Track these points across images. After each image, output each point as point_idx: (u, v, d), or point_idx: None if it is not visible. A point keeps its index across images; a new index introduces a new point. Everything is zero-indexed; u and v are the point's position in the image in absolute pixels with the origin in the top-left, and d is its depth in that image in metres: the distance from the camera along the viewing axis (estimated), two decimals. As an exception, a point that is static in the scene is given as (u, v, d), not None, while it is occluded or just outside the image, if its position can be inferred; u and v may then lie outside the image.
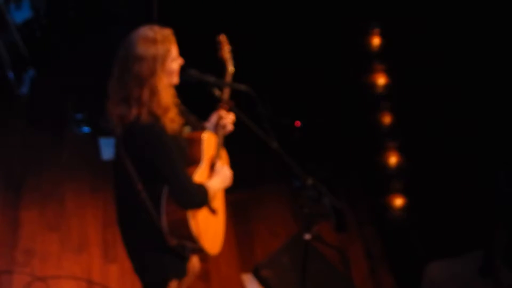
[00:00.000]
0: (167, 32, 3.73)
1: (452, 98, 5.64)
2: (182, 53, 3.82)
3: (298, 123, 6.36)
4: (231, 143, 4.28)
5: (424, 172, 5.65)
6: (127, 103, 3.71)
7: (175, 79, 3.81)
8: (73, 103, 6.48)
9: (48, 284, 5.23)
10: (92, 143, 6.23)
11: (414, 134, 5.83)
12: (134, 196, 3.85)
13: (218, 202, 4.20)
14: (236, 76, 4.16)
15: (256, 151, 5.29)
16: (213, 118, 4.18)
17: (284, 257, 5.49)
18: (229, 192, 4.31)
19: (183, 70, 3.85)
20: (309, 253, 4.35)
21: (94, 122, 6.33)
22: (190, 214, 3.87)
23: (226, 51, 4.19)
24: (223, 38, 4.21)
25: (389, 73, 6.15)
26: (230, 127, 4.14)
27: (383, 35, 6.21)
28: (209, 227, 4.08)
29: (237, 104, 4.05)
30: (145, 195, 3.84)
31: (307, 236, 4.20)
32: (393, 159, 5.94)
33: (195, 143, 3.99)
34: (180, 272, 4.17)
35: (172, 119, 3.78)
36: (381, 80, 6.16)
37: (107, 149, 6.12)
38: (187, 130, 3.98)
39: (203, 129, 4.11)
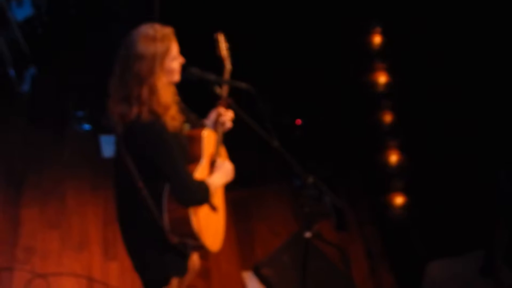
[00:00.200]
0: (168, 31, 3.73)
1: (453, 96, 5.63)
2: (183, 51, 3.81)
3: (299, 122, 6.35)
4: (232, 141, 4.28)
5: (425, 171, 5.65)
6: (128, 102, 3.71)
7: (176, 78, 3.81)
8: (74, 100, 6.48)
9: (49, 281, 5.23)
10: (93, 141, 6.23)
11: (414, 132, 5.82)
12: (135, 194, 3.85)
13: (218, 199, 4.20)
14: (237, 75, 4.16)
15: (257, 150, 5.29)
16: (212, 116, 4.18)
17: (284, 255, 5.49)
18: (229, 190, 4.32)
19: (184, 68, 3.85)
20: (310, 252, 4.35)
21: (95, 120, 6.33)
22: (191, 212, 3.87)
23: (224, 49, 4.19)
24: (220, 36, 4.21)
25: (390, 71, 6.14)
26: (229, 124, 4.14)
27: (384, 34, 6.20)
28: (210, 224, 4.08)
29: (238, 102, 4.05)
30: (146, 193, 3.84)
31: (308, 235, 4.20)
32: (393, 158, 5.94)
33: (195, 140, 3.99)
34: (181, 269, 4.17)
35: (173, 117, 3.78)
36: (382, 78, 6.15)
37: (107, 147, 6.12)
38: (186, 127, 3.98)
39: (202, 126, 4.11)
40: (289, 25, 6.45)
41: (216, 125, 4.13)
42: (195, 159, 3.98)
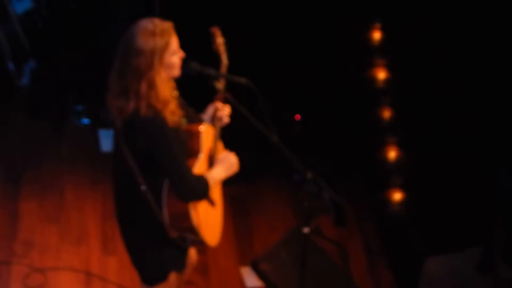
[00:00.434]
0: (167, 25, 3.72)
1: (453, 93, 5.63)
2: (183, 46, 3.81)
3: (298, 117, 6.35)
4: (231, 136, 4.27)
5: (424, 167, 5.65)
6: (126, 96, 3.71)
7: (176, 72, 3.81)
8: (73, 94, 6.48)
9: (47, 276, 5.23)
10: (92, 135, 6.23)
11: (414, 129, 5.82)
12: (134, 190, 3.85)
13: (216, 194, 4.20)
14: (236, 70, 4.15)
15: (255, 145, 5.29)
16: (210, 110, 4.17)
17: (283, 251, 5.49)
18: (228, 185, 4.32)
19: (184, 63, 3.84)
20: (308, 247, 4.35)
21: (94, 114, 6.32)
22: (191, 206, 3.87)
23: (220, 43, 4.17)
24: (216, 30, 4.19)
25: (389, 67, 6.14)
26: (226, 119, 4.13)
27: (383, 30, 6.20)
28: (209, 219, 4.08)
29: (237, 97, 4.04)
30: (145, 188, 3.84)
31: (306, 230, 4.20)
32: (392, 154, 5.94)
33: (193, 135, 3.99)
34: (180, 264, 4.17)
35: (172, 112, 3.78)
36: (381, 74, 6.15)
37: (106, 141, 6.12)
38: (183, 122, 3.98)
39: (200, 121, 4.11)
40: (289, 20, 6.45)
41: (213, 120, 4.12)
42: (194, 154, 3.97)
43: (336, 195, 4.08)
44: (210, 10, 6.17)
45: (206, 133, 4.03)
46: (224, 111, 4.12)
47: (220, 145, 4.19)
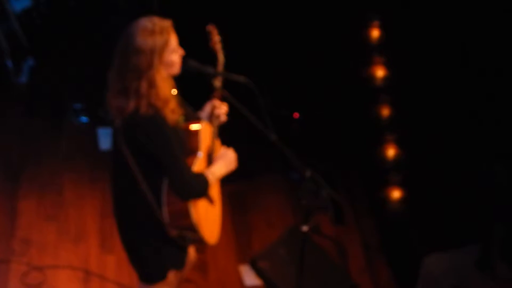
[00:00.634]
0: (166, 23, 3.71)
1: (452, 90, 5.63)
2: (183, 43, 3.80)
3: (296, 115, 6.35)
4: (230, 134, 4.27)
5: (423, 165, 5.65)
6: (126, 95, 3.71)
7: (176, 70, 3.80)
8: (72, 92, 6.47)
9: (45, 274, 5.23)
10: (90, 133, 6.22)
11: (412, 127, 5.82)
12: (134, 188, 3.85)
13: (215, 192, 4.20)
14: (235, 68, 4.15)
15: (254, 143, 5.28)
16: (207, 108, 4.17)
17: (281, 248, 5.49)
18: (226, 183, 4.31)
19: (183, 60, 3.84)
20: (306, 245, 4.35)
21: (92, 112, 6.32)
22: (191, 204, 3.87)
23: (216, 41, 4.17)
24: (212, 28, 4.18)
25: (388, 65, 6.14)
26: (224, 117, 4.13)
27: (382, 27, 6.19)
28: (209, 217, 4.09)
29: (236, 95, 4.04)
30: (145, 186, 3.84)
31: (305, 228, 4.20)
32: (391, 152, 5.94)
33: (192, 133, 3.99)
34: (179, 263, 4.17)
35: (172, 110, 3.78)
36: (380, 72, 6.14)
37: (105, 139, 6.11)
38: (181, 120, 3.98)
39: (198, 119, 4.11)
40: (287, 19, 6.45)
41: (211, 117, 4.12)
42: (192, 152, 3.97)
43: (334, 193, 4.07)
44: (208, 8, 6.17)
45: (204, 131, 4.03)
46: (222, 109, 4.11)
47: (218, 143, 4.19)
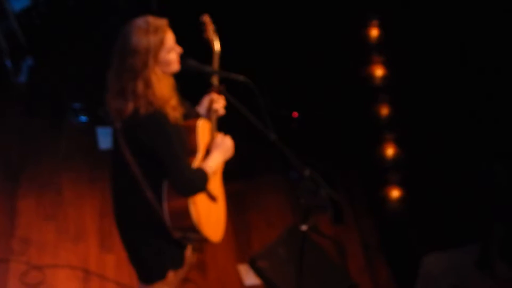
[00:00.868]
0: (161, 23, 3.69)
1: (451, 89, 5.63)
2: (181, 42, 3.79)
3: (295, 114, 6.35)
4: (228, 133, 4.27)
5: (422, 164, 5.65)
6: (123, 96, 3.70)
7: (174, 68, 3.79)
8: (71, 92, 6.47)
9: (44, 273, 5.23)
10: (89, 133, 6.22)
11: (411, 126, 5.82)
12: (134, 188, 3.85)
13: (217, 188, 4.20)
14: (234, 68, 4.14)
15: (254, 142, 5.28)
16: (205, 102, 4.16)
17: (280, 248, 5.49)
18: (226, 182, 4.31)
19: (181, 59, 3.83)
20: (306, 245, 4.35)
21: (91, 111, 6.31)
22: (191, 204, 3.86)
23: (211, 31, 4.15)
24: (206, 18, 4.16)
25: (387, 64, 6.14)
26: (222, 111, 4.12)
27: (381, 27, 6.19)
28: (211, 215, 4.08)
29: (235, 94, 4.04)
30: (145, 186, 3.83)
31: (304, 227, 4.20)
32: (390, 151, 5.93)
33: (191, 131, 3.98)
34: (178, 262, 4.17)
35: (174, 108, 3.78)
36: (379, 71, 6.14)
37: (104, 139, 6.11)
38: (180, 118, 3.97)
39: (196, 116, 4.10)
40: (287, 18, 6.45)
41: (209, 112, 4.11)
42: (192, 149, 3.97)
43: (333, 192, 4.07)
44: (208, 7, 6.16)
45: (203, 128, 4.03)
46: (220, 103, 4.11)
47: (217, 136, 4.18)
